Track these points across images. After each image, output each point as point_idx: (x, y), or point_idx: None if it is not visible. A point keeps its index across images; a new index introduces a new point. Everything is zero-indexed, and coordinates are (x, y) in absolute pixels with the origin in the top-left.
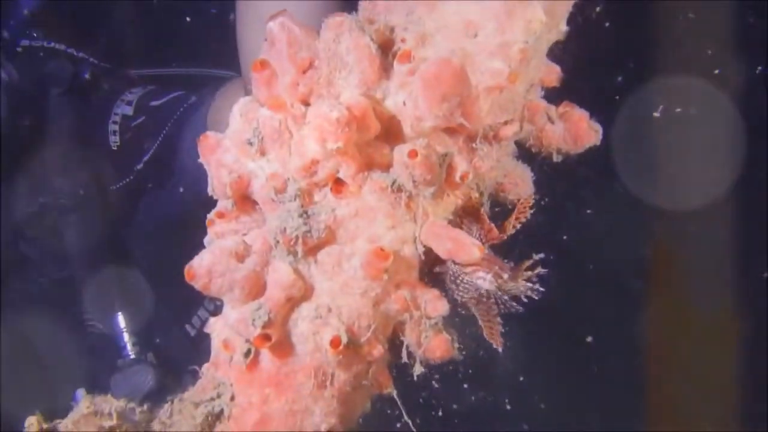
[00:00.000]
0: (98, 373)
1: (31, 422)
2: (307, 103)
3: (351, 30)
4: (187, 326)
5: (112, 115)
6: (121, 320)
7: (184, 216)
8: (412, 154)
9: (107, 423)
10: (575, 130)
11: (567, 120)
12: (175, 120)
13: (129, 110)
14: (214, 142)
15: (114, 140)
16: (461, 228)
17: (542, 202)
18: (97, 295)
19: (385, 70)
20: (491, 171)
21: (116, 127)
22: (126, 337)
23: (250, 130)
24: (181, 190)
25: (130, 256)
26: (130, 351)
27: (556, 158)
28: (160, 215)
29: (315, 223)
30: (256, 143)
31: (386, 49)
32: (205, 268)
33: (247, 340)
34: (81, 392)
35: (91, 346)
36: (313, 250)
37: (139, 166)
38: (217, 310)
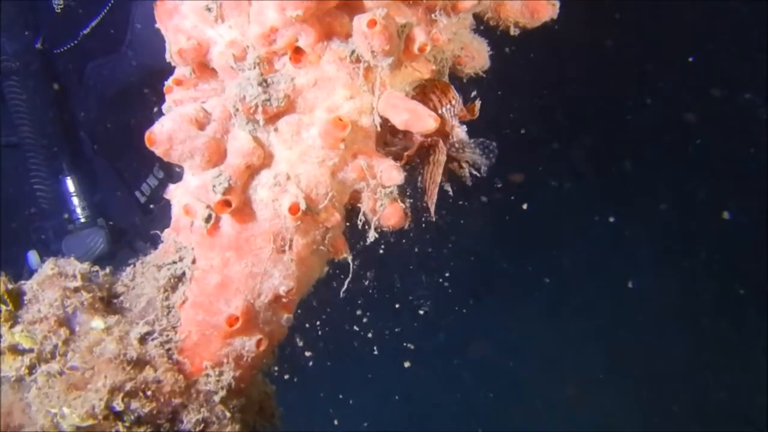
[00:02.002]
0: (48, 237)
1: None
2: None
3: None
4: (137, 192)
5: None
6: (69, 184)
7: (133, 83)
8: (371, 23)
9: (72, 284)
10: (533, 4)
11: None
12: None
13: None
14: (172, 7)
15: (57, 2)
16: (431, 103)
17: None
18: (44, 159)
19: None
20: (449, 43)
21: None
22: (75, 201)
23: None
24: (132, 61)
25: (77, 121)
26: (80, 215)
27: (514, 31)
28: (108, 81)
29: (274, 92)
30: (215, 9)
31: None
32: (166, 134)
33: (208, 206)
34: (32, 254)
35: (41, 210)
36: (272, 119)
37: (85, 31)
38: (166, 178)
